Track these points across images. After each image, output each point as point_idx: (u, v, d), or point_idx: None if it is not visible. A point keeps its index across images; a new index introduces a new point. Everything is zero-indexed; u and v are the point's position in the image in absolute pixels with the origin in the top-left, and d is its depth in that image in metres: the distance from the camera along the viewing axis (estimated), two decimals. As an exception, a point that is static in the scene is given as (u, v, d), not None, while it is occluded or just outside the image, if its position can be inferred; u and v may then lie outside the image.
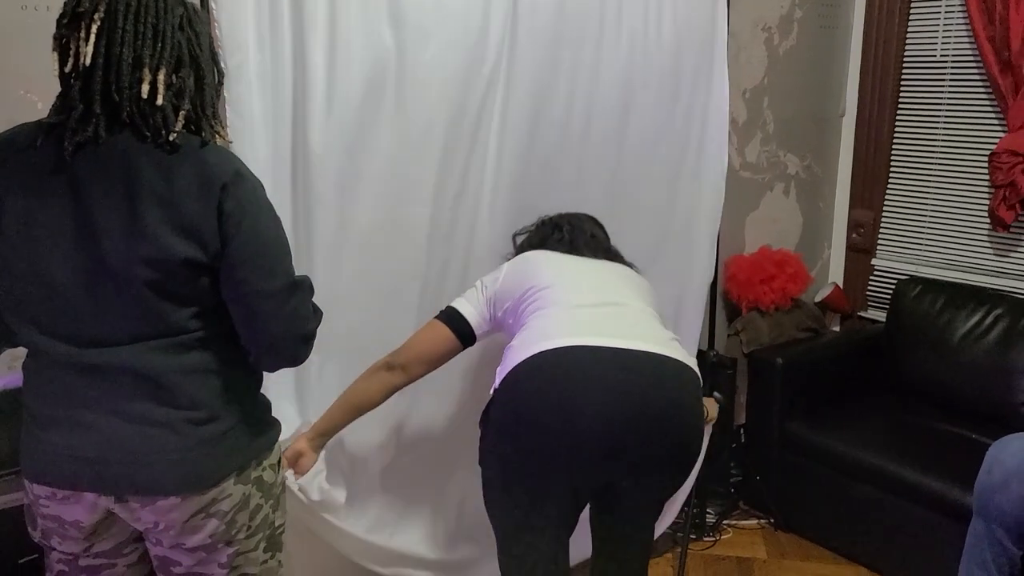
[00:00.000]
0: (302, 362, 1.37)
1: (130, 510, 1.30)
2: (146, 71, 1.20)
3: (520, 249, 2.02)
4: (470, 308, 1.83)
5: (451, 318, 1.82)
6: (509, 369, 1.58)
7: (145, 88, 1.20)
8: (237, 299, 1.28)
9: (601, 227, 2.09)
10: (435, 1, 1.98)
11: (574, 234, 1.98)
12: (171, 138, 1.21)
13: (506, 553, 1.69)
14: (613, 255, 2.00)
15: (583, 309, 1.65)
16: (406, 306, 2.11)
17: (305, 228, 1.94)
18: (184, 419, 1.27)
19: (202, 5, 1.69)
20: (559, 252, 1.91)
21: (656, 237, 2.54)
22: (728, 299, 3.08)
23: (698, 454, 1.65)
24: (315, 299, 1.40)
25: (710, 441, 2.82)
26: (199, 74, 1.27)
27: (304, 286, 1.35)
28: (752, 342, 2.96)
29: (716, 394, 2.83)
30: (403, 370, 1.80)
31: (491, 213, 2.19)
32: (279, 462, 1.45)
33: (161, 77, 1.21)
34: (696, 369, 1.62)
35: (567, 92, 2.25)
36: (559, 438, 1.50)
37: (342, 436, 1.96)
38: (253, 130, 1.82)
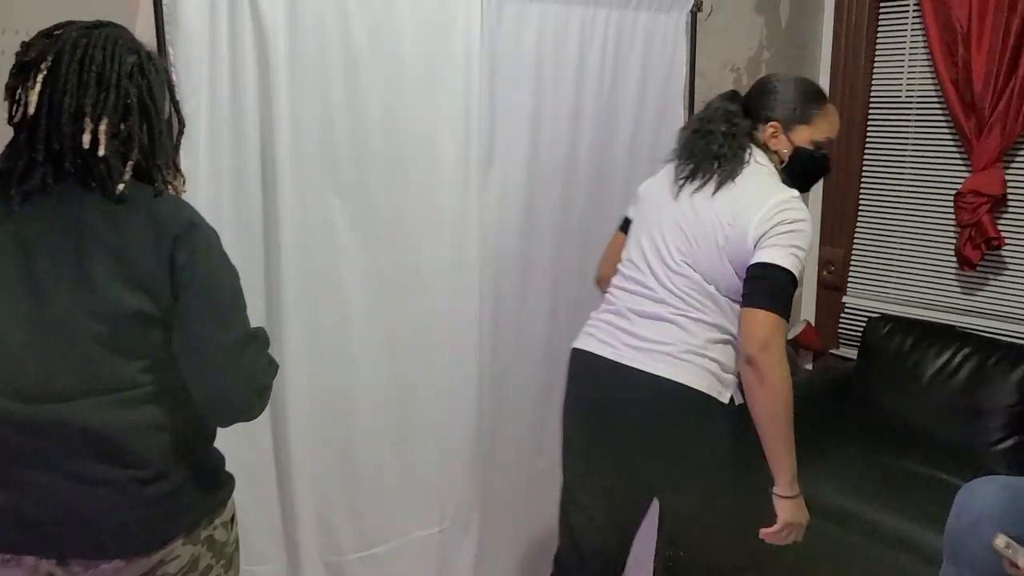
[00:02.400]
0: (256, 416, 1.33)
1: (72, 574, 1.25)
2: (87, 120, 1.18)
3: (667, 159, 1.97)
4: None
5: (624, 225, 2.04)
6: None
7: (86, 138, 1.18)
8: (189, 352, 1.24)
9: (760, 104, 1.87)
10: (397, 45, 1.97)
11: (689, 164, 1.86)
12: (118, 190, 1.18)
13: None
14: (734, 174, 1.80)
15: (614, 316, 1.88)
16: (380, 351, 2.10)
17: (271, 273, 1.92)
18: (130, 478, 1.23)
19: (159, 50, 1.67)
20: (668, 189, 1.88)
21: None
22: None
23: (659, 449, 1.81)
24: (281, 349, 1.38)
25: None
26: (150, 123, 1.24)
27: (259, 338, 1.32)
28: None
29: None
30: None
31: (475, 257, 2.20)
32: (232, 519, 1.41)
33: (103, 127, 1.18)
34: (680, 380, 1.74)
35: (534, 133, 2.27)
36: (569, 427, 1.94)
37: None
38: (211, 175, 1.81)
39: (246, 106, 1.82)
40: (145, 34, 1.72)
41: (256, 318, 1.88)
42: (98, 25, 1.24)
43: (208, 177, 1.79)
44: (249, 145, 1.84)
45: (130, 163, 1.21)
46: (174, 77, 1.70)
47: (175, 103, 1.34)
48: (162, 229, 1.20)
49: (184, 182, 1.34)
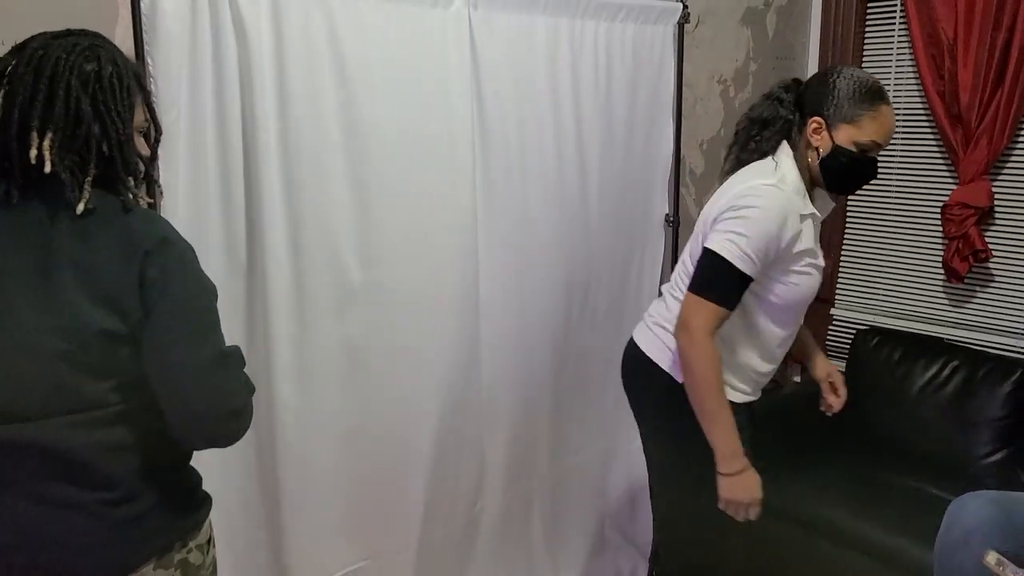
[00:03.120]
0: (231, 442, 1.26)
1: (39, 600, 1.21)
2: (33, 135, 1.13)
3: None
4: None
5: None
6: None
7: (32, 154, 1.13)
8: (159, 371, 1.19)
9: (795, 94, 1.89)
10: (389, 59, 1.94)
11: (730, 156, 1.94)
12: (78, 210, 1.14)
13: None
14: (741, 164, 1.89)
15: None
16: (370, 369, 2.05)
17: (254, 289, 1.87)
18: (99, 500, 1.19)
19: (136, 60, 1.64)
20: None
21: (614, 286, 2.56)
22: (688, 350, 3.05)
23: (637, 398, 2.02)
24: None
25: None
26: (107, 134, 1.18)
27: (233, 358, 1.27)
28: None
29: None
30: None
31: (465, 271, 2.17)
32: (209, 541, 1.37)
33: (47, 143, 1.14)
34: (644, 348, 1.93)
35: (523, 149, 2.24)
36: None
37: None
38: (193, 187, 1.77)
39: (229, 116, 1.78)
40: (124, 44, 1.69)
41: (241, 335, 1.86)
42: (67, 34, 1.20)
43: (189, 190, 1.75)
44: (233, 157, 1.80)
45: (88, 179, 1.16)
46: (152, 87, 1.67)
47: (150, 110, 1.28)
48: (132, 244, 1.16)
49: (161, 194, 1.30)
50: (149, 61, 1.65)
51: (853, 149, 1.79)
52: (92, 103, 1.17)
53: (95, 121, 1.17)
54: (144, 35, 1.65)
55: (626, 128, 2.47)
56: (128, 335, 1.17)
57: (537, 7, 2.19)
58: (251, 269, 1.85)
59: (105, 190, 1.19)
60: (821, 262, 1.86)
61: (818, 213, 1.84)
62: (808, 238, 1.79)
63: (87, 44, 1.19)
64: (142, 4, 1.63)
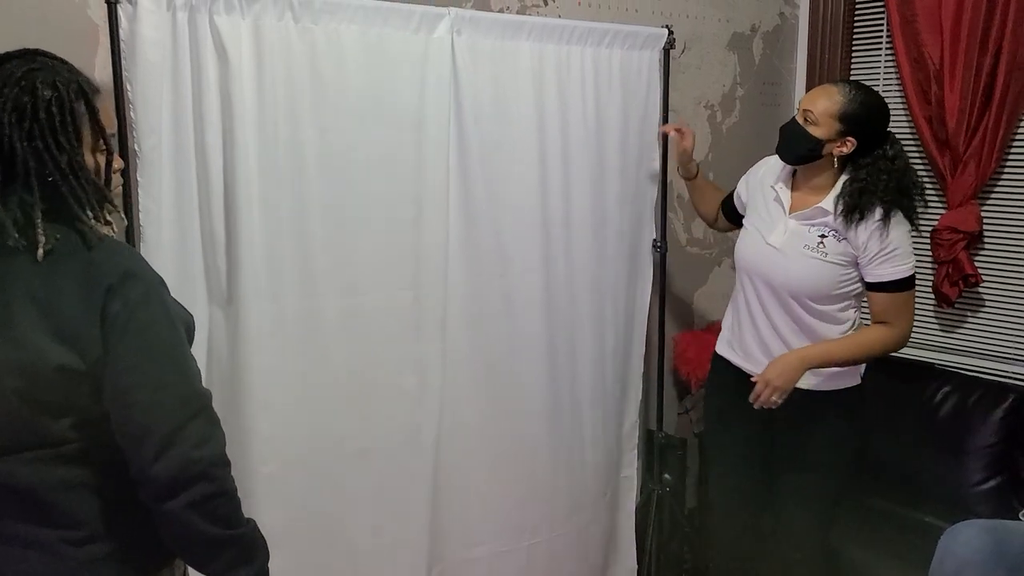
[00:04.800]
0: (186, 500, 1.13)
1: (-1, 642, 1.17)
2: None
3: None
4: None
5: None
6: None
7: None
8: (116, 410, 1.14)
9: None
10: (369, 85, 1.94)
11: None
12: (38, 256, 1.11)
13: None
14: None
15: None
16: (353, 399, 2.02)
17: (231, 318, 1.85)
18: (61, 539, 1.16)
19: (116, 86, 1.63)
20: None
21: (601, 313, 2.53)
22: (677, 377, 3.02)
23: None
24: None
25: (661, 525, 2.75)
26: (47, 170, 1.12)
27: (200, 404, 1.19)
28: (703, 421, 2.90)
29: (666, 476, 2.76)
30: None
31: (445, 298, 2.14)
32: (180, 579, 1.33)
33: None
34: None
35: (506, 175, 2.22)
36: None
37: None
38: (175, 215, 1.75)
39: (209, 142, 1.77)
40: (104, 71, 1.68)
41: (222, 364, 1.83)
42: (2, 60, 1.15)
43: (172, 216, 1.74)
44: (214, 183, 1.79)
45: (38, 219, 1.12)
46: (132, 113, 1.65)
47: (100, 131, 1.20)
48: (94, 279, 1.12)
49: (124, 220, 1.26)
50: (128, 87, 1.64)
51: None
52: (28, 139, 1.11)
53: (32, 158, 1.11)
54: (123, 61, 1.64)
55: (613, 154, 2.46)
56: (87, 372, 1.13)
57: (522, 33, 2.18)
58: (229, 297, 1.83)
59: (65, 224, 1.14)
60: (768, 237, 2.10)
61: (779, 193, 2.11)
62: (763, 207, 2.16)
63: (22, 72, 1.13)
64: (120, 31, 1.63)
